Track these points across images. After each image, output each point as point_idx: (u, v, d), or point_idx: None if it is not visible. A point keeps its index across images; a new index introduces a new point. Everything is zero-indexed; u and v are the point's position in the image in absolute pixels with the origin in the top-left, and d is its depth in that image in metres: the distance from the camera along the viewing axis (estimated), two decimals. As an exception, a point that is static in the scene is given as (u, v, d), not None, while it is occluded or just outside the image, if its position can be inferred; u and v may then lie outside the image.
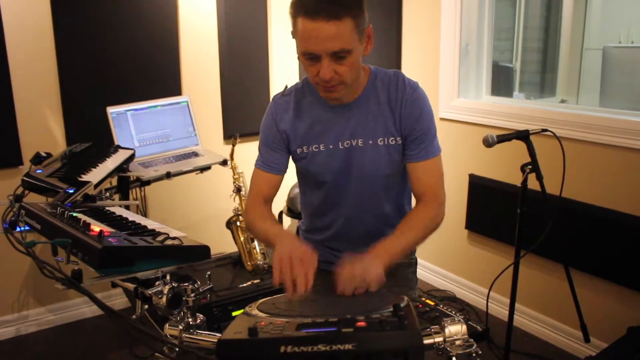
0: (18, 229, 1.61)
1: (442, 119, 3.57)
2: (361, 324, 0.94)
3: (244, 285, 2.85)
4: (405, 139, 1.68)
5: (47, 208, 1.64)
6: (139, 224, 1.57)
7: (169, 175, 2.68)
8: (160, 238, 1.38)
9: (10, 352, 3.07)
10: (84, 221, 1.42)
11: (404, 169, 1.75)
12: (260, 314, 1.07)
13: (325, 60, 1.45)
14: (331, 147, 1.67)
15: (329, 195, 1.76)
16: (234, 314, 2.91)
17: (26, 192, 2.15)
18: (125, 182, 2.68)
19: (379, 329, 0.92)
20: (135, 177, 2.72)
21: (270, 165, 1.76)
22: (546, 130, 2.40)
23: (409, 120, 1.67)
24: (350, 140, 1.66)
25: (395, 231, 1.61)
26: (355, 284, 1.32)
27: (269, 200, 1.80)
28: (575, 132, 2.82)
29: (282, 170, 1.78)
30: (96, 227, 1.40)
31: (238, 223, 3.16)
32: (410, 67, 3.78)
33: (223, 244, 3.20)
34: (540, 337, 3.12)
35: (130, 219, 1.63)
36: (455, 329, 1.12)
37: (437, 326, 1.11)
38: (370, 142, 1.66)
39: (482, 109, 3.33)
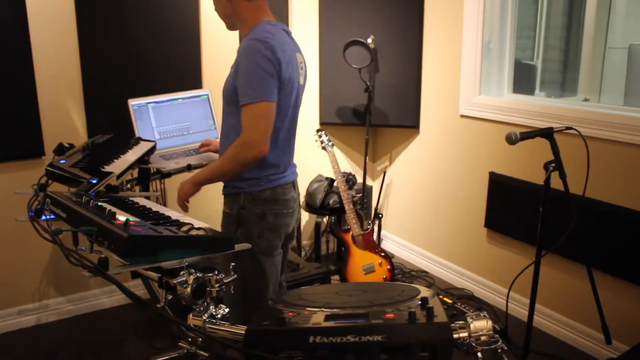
0: (43, 217, 1.62)
1: (462, 115, 3.54)
2: (390, 315, 0.93)
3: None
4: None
5: (72, 197, 1.65)
6: (163, 214, 1.58)
7: (189, 167, 2.68)
8: (184, 228, 1.38)
9: (31, 340, 3.11)
10: (110, 210, 1.43)
11: (236, 102, 2.02)
12: (287, 305, 1.07)
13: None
14: None
15: None
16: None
17: (50, 181, 2.16)
18: (145, 174, 2.69)
19: (409, 321, 0.91)
20: (155, 169, 2.73)
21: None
22: (570, 128, 2.37)
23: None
24: None
25: None
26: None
27: None
28: (599, 131, 2.79)
29: None
30: (121, 216, 1.41)
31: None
32: (432, 64, 3.76)
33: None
34: (559, 337, 3.09)
35: (154, 209, 1.64)
36: (481, 325, 1.11)
37: (462, 321, 1.10)
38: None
39: (504, 106, 3.29)
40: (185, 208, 2.27)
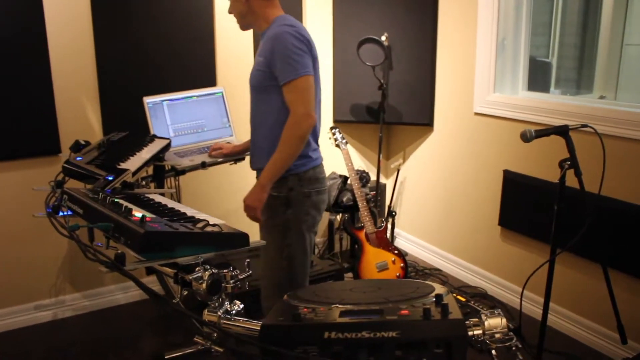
0: (61, 214, 1.64)
1: (476, 113, 3.53)
2: (405, 312, 0.93)
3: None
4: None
5: (88, 194, 1.67)
6: (178, 210, 1.59)
7: (204, 165, 2.70)
8: (200, 225, 1.39)
9: (47, 335, 3.15)
10: (126, 207, 1.44)
11: (269, 88, 2.18)
12: (302, 301, 1.07)
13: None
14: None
15: None
16: (265, 304, 2.93)
17: (66, 178, 2.19)
18: (160, 171, 2.71)
19: (424, 318, 0.91)
20: (170, 167, 2.75)
21: None
22: (586, 125, 2.36)
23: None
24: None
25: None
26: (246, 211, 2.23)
27: None
28: (615, 129, 2.76)
29: None
30: (138, 212, 1.42)
31: (270, 214, 3.17)
32: (446, 61, 3.74)
33: (253, 234, 3.21)
34: (573, 337, 3.07)
35: (169, 206, 1.65)
36: (495, 322, 1.11)
37: (476, 319, 1.10)
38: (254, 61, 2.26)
39: (519, 104, 3.27)
40: (258, 220, 2.30)
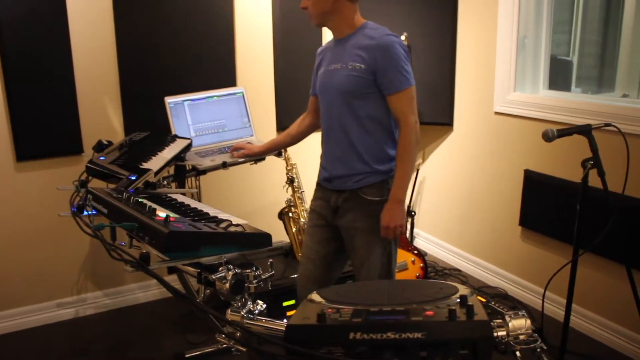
0: (85, 213, 1.67)
1: (497, 113, 3.50)
2: (429, 313, 0.93)
3: (296, 275, 2.87)
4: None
5: (112, 193, 1.69)
6: (201, 210, 1.60)
7: (225, 165, 2.71)
8: (223, 225, 1.40)
9: (70, 332, 3.19)
10: (150, 206, 1.46)
11: (369, 94, 2.20)
12: (326, 302, 1.08)
13: None
14: (325, 69, 2.30)
15: (322, 113, 2.35)
16: (285, 304, 2.94)
17: (89, 177, 2.22)
18: (182, 171, 2.73)
19: (449, 319, 0.91)
20: (191, 166, 2.77)
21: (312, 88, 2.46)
22: (609, 124, 2.33)
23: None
24: (334, 64, 2.26)
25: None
26: (389, 233, 2.20)
27: None
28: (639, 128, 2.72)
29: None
30: (161, 212, 1.44)
31: (290, 214, 3.19)
32: (466, 60, 3.72)
33: (275, 234, 3.23)
34: (596, 338, 3.03)
35: (192, 206, 1.67)
36: (519, 323, 1.10)
37: (500, 320, 1.10)
38: (340, 66, 2.22)
39: (539, 103, 3.25)
40: (404, 233, 2.34)
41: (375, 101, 2.20)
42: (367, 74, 2.16)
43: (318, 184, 2.43)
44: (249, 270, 1.32)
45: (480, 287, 3.64)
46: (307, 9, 2.24)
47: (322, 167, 2.40)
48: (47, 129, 3.07)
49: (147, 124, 3.08)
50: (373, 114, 2.22)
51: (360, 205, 2.26)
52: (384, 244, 2.29)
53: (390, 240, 2.30)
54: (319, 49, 2.43)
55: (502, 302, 3.41)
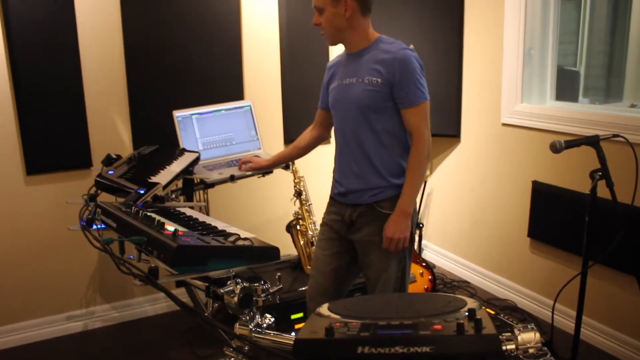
0: (94, 227, 1.68)
1: (504, 124, 3.50)
2: (438, 326, 0.93)
3: (304, 288, 2.87)
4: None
5: (121, 207, 1.70)
6: (209, 224, 1.61)
7: (233, 178, 2.72)
8: (231, 239, 1.41)
9: (79, 345, 3.20)
10: (159, 220, 1.47)
11: (385, 108, 2.20)
12: (334, 315, 1.08)
13: (316, 12, 2.22)
14: (338, 83, 2.28)
15: (336, 127, 2.35)
16: (293, 317, 2.94)
17: (99, 191, 2.23)
18: (190, 184, 2.75)
19: (457, 333, 0.91)
20: (199, 180, 2.78)
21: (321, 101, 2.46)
22: (617, 135, 2.32)
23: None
24: (348, 78, 2.24)
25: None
26: (392, 245, 2.18)
27: None
28: (648, 138, 2.71)
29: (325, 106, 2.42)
30: (170, 226, 1.44)
31: (298, 227, 3.19)
32: (472, 72, 3.73)
33: (282, 247, 3.23)
34: (607, 351, 3.01)
35: (200, 219, 1.67)
36: (528, 337, 1.10)
37: (509, 333, 1.09)
38: (356, 80, 2.22)
39: (547, 114, 3.24)
40: (406, 245, 2.28)
41: (391, 115, 2.20)
42: (383, 87, 2.16)
43: (332, 197, 2.42)
44: (257, 284, 1.32)
45: (489, 299, 3.62)
46: (319, 26, 2.23)
47: (336, 181, 2.38)
48: (57, 142, 3.10)
49: (156, 137, 3.10)
50: (389, 127, 2.22)
51: (376, 219, 2.25)
52: (399, 258, 2.28)
53: (405, 255, 2.29)
54: (329, 63, 2.42)
55: (511, 314, 3.39)
